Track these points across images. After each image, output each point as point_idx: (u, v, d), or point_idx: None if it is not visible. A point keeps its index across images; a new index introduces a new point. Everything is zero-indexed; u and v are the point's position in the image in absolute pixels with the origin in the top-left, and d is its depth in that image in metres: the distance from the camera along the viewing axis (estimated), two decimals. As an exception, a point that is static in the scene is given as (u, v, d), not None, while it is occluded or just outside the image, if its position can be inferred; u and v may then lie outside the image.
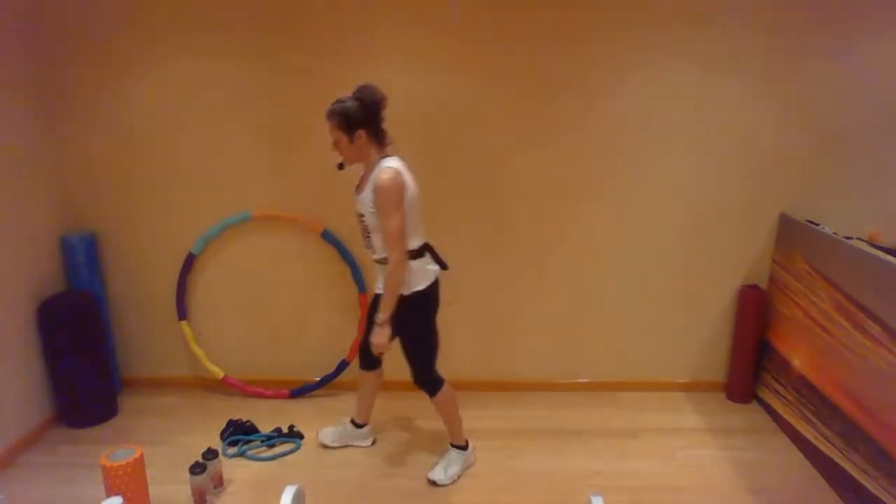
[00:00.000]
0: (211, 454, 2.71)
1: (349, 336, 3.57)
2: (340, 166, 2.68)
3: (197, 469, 2.60)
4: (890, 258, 2.48)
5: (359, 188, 2.66)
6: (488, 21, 3.15)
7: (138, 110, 3.31)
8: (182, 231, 3.46)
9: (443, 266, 2.76)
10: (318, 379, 3.60)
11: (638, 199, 3.40)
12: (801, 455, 3.04)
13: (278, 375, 3.67)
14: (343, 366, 3.56)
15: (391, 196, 2.47)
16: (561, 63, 3.21)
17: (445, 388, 2.81)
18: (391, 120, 3.29)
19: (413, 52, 3.21)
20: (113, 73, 3.26)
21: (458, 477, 2.87)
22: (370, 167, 2.58)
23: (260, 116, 3.31)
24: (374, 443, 3.17)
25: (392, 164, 2.54)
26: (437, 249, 3.67)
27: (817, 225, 3.12)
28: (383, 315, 2.59)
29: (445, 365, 3.64)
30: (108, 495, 2.45)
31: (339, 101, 2.53)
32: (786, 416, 3.22)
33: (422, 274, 2.65)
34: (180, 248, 3.47)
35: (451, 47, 3.20)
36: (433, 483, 2.82)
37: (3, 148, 2.99)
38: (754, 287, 3.45)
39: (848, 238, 2.85)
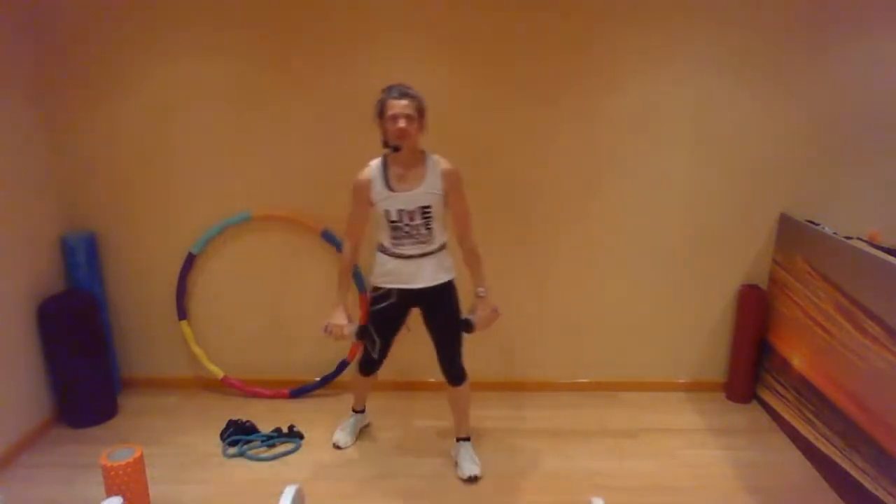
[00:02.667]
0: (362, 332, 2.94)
1: (349, 336, 3.58)
2: (396, 148, 2.53)
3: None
4: (890, 258, 2.48)
5: (404, 184, 2.57)
6: (490, 20, 3.15)
7: (138, 110, 3.31)
8: (182, 231, 3.46)
9: None
10: (317, 379, 3.60)
11: (638, 199, 3.40)
12: (800, 455, 3.05)
13: (278, 375, 3.67)
14: (343, 366, 3.56)
15: (462, 181, 2.54)
16: (562, 64, 3.20)
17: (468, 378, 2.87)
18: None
19: (413, 51, 3.21)
20: (113, 72, 3.26)
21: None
22: (411, 160, 2.57)
23: (260, 116, 3.30)
24: (368, 425, 3.28)
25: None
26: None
27: (817, 225, 3.12)
28: (485, 286, 2.76)
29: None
30: (108, 495, 2.45)
31: (412, 88, 2.51)
32: (786, 416, 3.22)
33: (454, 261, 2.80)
34: (180, 248, 3.47)
35: (453, 47, 3.19)
36: (474, 479, 2.82)
37: (3, 148, 2.99)
38: (754, 287, 3.44)
39: (848, 238, 2.85)
